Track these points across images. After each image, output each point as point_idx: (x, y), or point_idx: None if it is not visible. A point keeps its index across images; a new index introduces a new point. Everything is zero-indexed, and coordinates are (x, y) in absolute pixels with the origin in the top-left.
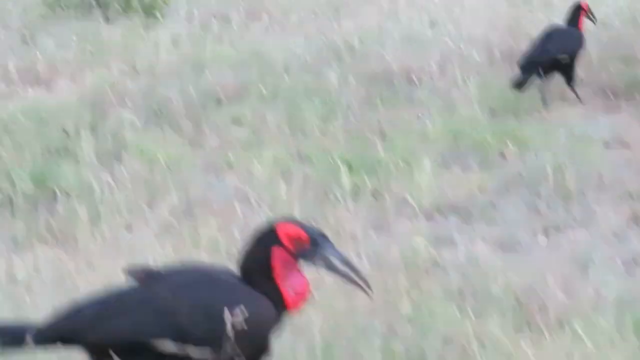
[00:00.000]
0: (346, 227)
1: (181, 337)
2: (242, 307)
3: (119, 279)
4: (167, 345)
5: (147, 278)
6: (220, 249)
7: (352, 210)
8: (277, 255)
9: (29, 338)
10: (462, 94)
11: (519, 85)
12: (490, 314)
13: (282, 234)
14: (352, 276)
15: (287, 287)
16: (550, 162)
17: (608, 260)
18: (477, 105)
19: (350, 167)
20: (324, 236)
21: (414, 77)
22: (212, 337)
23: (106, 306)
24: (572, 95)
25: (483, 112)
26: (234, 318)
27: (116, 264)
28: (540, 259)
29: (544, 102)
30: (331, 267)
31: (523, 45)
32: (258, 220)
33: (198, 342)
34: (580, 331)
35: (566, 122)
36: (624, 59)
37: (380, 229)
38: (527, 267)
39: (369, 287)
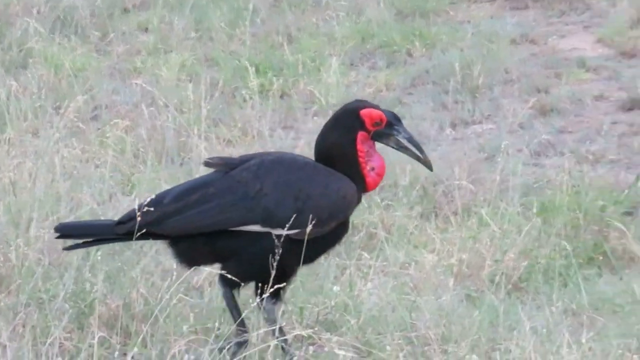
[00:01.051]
0: (254, 125)
1: (268, 219)
2: (327, 185)
3: (23, 181)
4: (254, 228)
5: (226, 166)
6: (127, 149)
7: (260, 110)
8: (361, 139)
9: (113, 230)
10: None
11: None
12: (398, 204)
13: (366, 117)
14: (418, 154)
15: (369, 169)
16: (458, 59)
17: (514, 150)
18: (384, 6)
19: (257, 69)
20: (397, 118)
21: None
22: (298, 217)
23: (190, 195)
24: None
25: (390, 13)
26: (319, 197)
27: (22, 167)
28: (448, 151)
29: None
30: (400, 146)
31: None
32: (165, 121)
33: (284, 223)
34: (486, 216)
35: (473, 21)
36: None
37: (288, 128)
38: (435, 160)
39: (430, 164)
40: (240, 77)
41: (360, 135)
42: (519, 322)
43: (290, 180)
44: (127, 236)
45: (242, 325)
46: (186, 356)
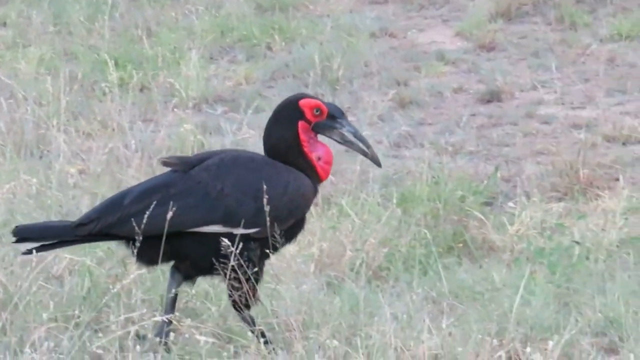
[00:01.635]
0: (114, 118)
1: (229, 219)
2: (287, 184)
3: None
4: (216, 229)
5: (184, 165)
6: None
7: (120, 103)
8: (303, 129)
9: (73, 232)
10: None
11: None
12: None
13: (305, 107)
14: (363, 148)
15: (316, 158)
16: (317, 53)
17: (374, 142)
18: (243, 0)
19: (116, 63)
20: (340, 111)
21: None
22: (258, 216)
23: (151, 196)
24: None
25: (250, 7)
26: (279, 196)
27: None
28: None
29: None
30: (345, 140)
31: None
32: (24, 113)
33: (245, 223)
34: (346, 207)
35: (332, 14)
36: None
37: (148, 121)
38: None
39: (377, 160)
40: (100, 70)
41: (301, 124)
42: (380, 308)
43: (250, 180)
44: (88, 238)
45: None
46: (46, 343)
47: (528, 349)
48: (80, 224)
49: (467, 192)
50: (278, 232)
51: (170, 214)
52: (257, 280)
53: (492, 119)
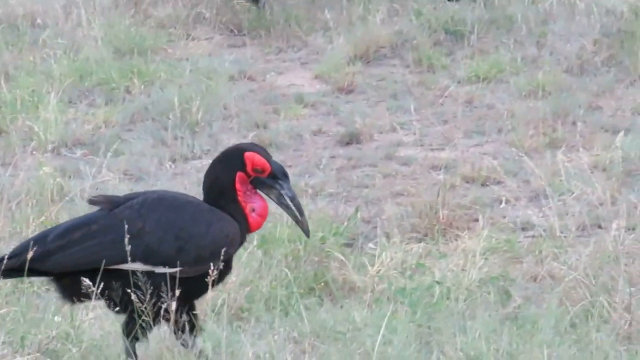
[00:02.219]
0: None
1: (150, 257)
2: (209, 224)
3: None
4: (136, 267)
5: (110, 204)
6: None
7: None
8: (240, 180)
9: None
10: (88, 35)
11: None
12: None
13: (248, 160)
14: (297, 215)
15: (250, 209)
16: (177, 96)
17: None
18: (102, 45)
19: None
20: (284, 173)
21: (39, 21)
22: (180, 255)
23: (73, 232)
24: (199, 32)
25: (108, 51)
26: (201, 236)
27: None
28: (168, 186)
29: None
30: (281, 202)
31: None
32: None
33: (166, 262)
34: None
35: (191, 58)
36: None
37: (7, 164)
38: None
39: (307, 229)
40: None
41: (239, 175)
42: (242, 348)
43: (172, 218)
44: (11, 273)
45: None
46: None
47: None
48: (10, 257)
49: (327, 233)
50: (201, 272)
51: (89, 251)
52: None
53: (351, 160)
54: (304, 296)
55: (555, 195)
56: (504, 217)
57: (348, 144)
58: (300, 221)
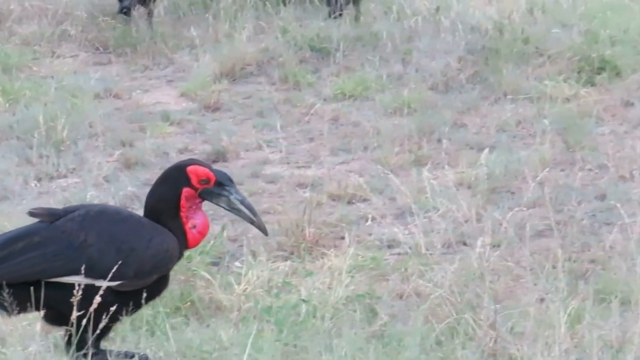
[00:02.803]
0: None
1: (91, 270)
2: (150, 239)
3: None
4: (77, 279)
5: (51, 216)
6: None
7: None
8: (186, 195)
9: None
10: None
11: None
12: None
13: (192, 174)
14: (250, 216)
15: (190, 226)
16: (42, 114)
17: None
18: None
19: None
20: (228, 179)
21: None
22: (121, 269)
23: (15, 243)
24: (65, 49)
25: None
26: (142, 249)
27: None
28: (33, 205)
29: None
30: (233, 207)
31: None
32: None
33: (107, 274)
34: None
35: (56, 76)
36: (113, 14)
37: None
38: (20, 214)
39: (264, 228)
40: None
41: (185, 191)
42: None
43: (114, 232)
44: None
45: None
46: None
47: None
48: None
49: (193, 252)
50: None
51: (30, 262)
52: (109, 330)
53: None
54: (170, 315)
55: (421, 212)
56: (370, 234)
57: (214, 162)
58: (254, 222)
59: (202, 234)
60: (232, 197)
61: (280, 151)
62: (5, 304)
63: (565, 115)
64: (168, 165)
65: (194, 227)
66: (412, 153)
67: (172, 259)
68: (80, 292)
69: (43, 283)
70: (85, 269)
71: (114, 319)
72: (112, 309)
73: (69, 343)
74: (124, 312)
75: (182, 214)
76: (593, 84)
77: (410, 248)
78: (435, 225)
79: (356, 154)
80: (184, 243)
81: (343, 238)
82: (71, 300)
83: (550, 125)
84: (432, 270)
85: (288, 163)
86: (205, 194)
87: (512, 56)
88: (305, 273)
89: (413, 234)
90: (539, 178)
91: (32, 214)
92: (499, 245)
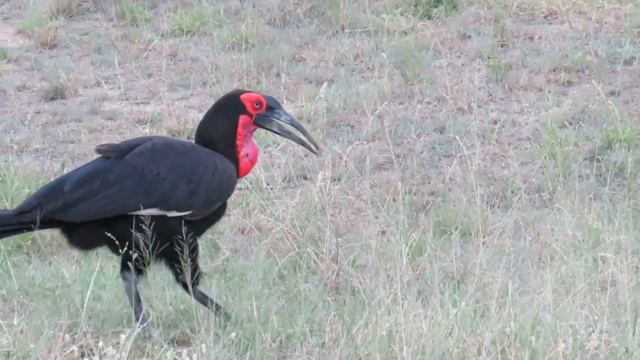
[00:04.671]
0: None
1: (165, 202)
2: (215, 168)
3: None
4: (152, 212)
5: (117, 152)
6: None
7: None
8: (243, 123)
9: (15, 220)
10: None
11: None
12: None
13: (246, 101)
14: (301, 137)
15: (243, 154)
16: None
17: None
18: None
19: None
20: (277, 102)
21: None
22: (192, 199)
23: (92, 182)
24: None
25: None
26: (209, 178)
27: None
28: None
29: None
30: (283, 130)
31: None
32: None
33: (179, 205)
34: None
35: None
36: None
37: None
38: None
39: (316, 145)
40: None
41: (242, 118)
42: None
43: (183, 163)
44: (30, 225)
45: (143, 319)
46: None
47: (100, 343)
48: (22, 211)
49: (34, 189)
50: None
51: (110, 199)
52: (195, 259)
53: (56, 116)
54: (12, 253)
55: (261, 147)
56: None
57: (53, 99)
58: (304, 142)
59: (253, 162)
60: (282, 119)
61: (119, 87)
62: (80, 241)
63: (402, 49)
64: (6, 103)
65: (246, 155)
66: (250, 87)
67: (233, 187)
68: (153, 223)
69: (119, 218)
70: (160, 201)
71: (192, 245)
72: (185, 237)
73: (139, 272)
74: (192, 241)
75: (237, 142)
76: (430, 17)
77: (250, 183)
78: (276, 160)
79: (195, 90)
80: (236, 171)
81: None
82: (145, 231)
83: (388, 59)
84: (273, 205)
85: (127, 99)
86: (258, 120)
87: None
88: None
89: (253, 169)
90: (378, 111)
91: (99, 150)
92: (339, 179)
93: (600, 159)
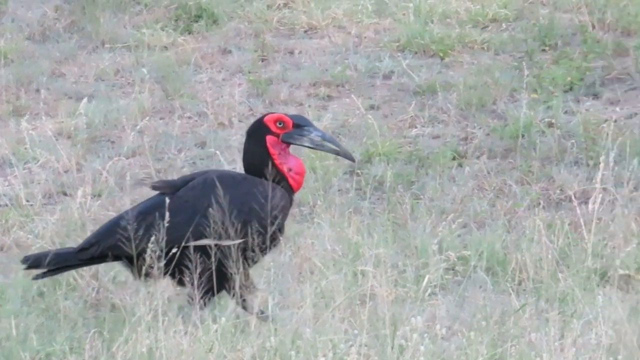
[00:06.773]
0: None
1: (217, 232)
2: (266, 197)
3: None
4: (206, 242)
5: (171, 188)
6: None
7: None
8: (270, 142)
9: (76, 257)
10: None
11: None
12: None
13: (268, 122)
14: (334, 148)
15: (287, 170)
16: None
17: None
18: None
19: None
20: (305, 119)
21: None
22: (244, 228)
23: (146, 217)
24: None
25: None
26: (260, 208)
27: None
28: None
29: None
30: (317, 144)
31: None
32: None
33: (232, 234)
34: None
35: None
36: None
37: None
38: None
39: (350, 155)
40: None
41: (269, 139)
42: None
43: (234, 195)
44: (90, 261)
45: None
46: None
47: None
48: (83, 248)
49: None
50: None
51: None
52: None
53: None
54: None
55: (20, 163)
56: None
57: None
58: (339, 152)
59: (300, 174)
60: (312, 135)
61: None
62: (139, 272)
63: (163, 64)
64: None
65: (290, 170)
66: (10, 104)
67: (286, 212)
68: (209, 254)
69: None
70: (212, 232)
71: (244, 272)
72: (238, 264)
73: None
74: (246, 267)
75: (275, 161)
76: (191, 32)
77: (10, 200)
78: (36, 176)
79: None
80: (288, 189)
81: None
82: (202, 261)
83: (149, 74)
84: (32, 222)
85: None
86: (286, 138)
87: (109, 4)
88: None
89: (13, 186)
90: (138, 127)
91: (154, 187)
92: (100, 195)
93: (360, 173)
